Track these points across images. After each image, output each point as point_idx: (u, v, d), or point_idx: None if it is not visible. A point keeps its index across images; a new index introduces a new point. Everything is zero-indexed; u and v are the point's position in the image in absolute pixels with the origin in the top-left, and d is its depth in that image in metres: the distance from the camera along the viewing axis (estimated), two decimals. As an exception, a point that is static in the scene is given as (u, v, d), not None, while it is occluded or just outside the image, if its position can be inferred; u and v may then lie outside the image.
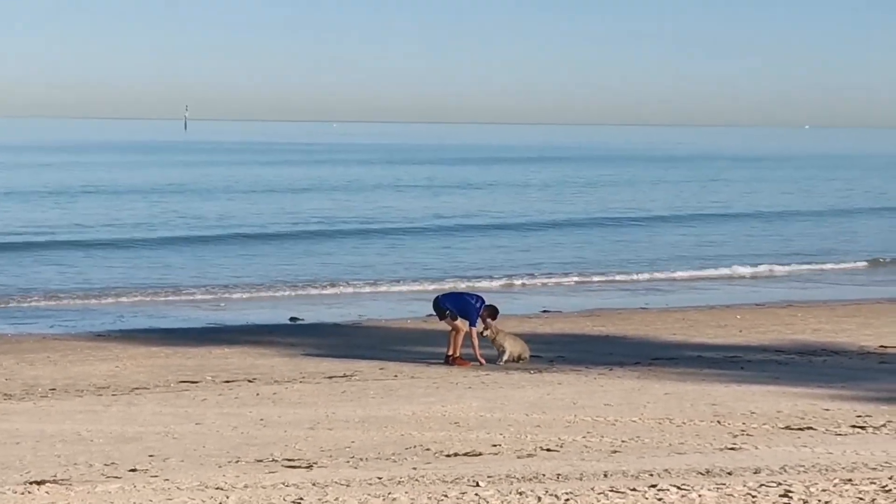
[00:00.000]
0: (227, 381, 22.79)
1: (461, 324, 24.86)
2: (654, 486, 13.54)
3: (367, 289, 39.18)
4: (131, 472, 15.15)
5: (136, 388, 22.08)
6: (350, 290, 38.86)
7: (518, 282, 40.63)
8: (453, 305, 25.04)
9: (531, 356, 25.11)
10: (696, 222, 63.86)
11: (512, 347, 24.88)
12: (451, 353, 24.84)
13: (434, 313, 25.71)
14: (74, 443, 17.05)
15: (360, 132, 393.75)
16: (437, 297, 25.60)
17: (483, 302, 25.21)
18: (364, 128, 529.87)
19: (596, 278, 41.92)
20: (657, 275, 42.79)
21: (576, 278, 41.83)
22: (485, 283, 38.52)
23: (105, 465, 15.58)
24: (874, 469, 14.64)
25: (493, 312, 25.32)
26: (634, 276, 42.44)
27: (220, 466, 15.44)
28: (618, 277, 42.17)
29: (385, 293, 38.51)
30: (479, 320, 24.85)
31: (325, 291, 38.43)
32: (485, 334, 24.85)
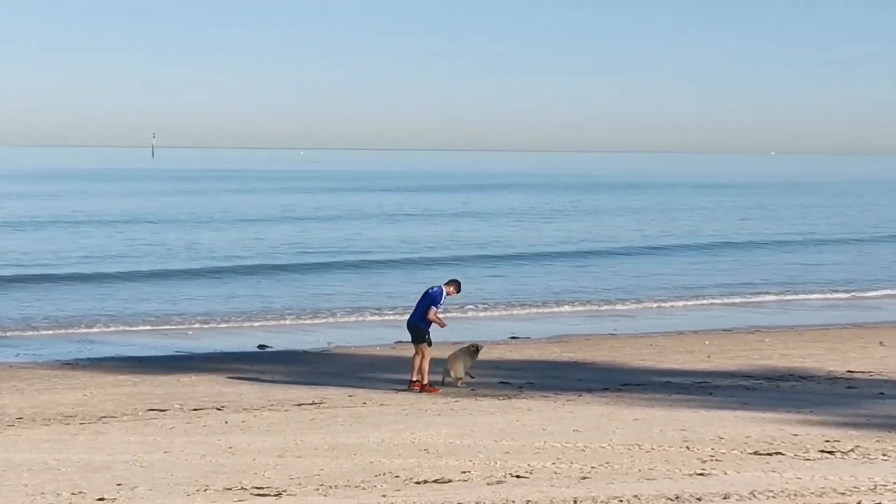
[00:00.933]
0: (196, 409, 22.70)
1: (430, 350, 24.88)
2: (623, 511, 13.54)
3: (336, 318, 39.04)
4: (99, 502, 15.08)
5: (104, 417, 21.96)
6: (319, 319, 38.70)
7: (482, 313, 40.26)
8: (424, 314, 24.95)
9: (501, 382, 25.19)
10: (660, 253, 63.40)
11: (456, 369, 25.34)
12: (416, 379, 24.83)
13: (411, 338, 25.32)
14: (42, 472, 16.94)
15: (328, 159, 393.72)
16: (410, 321, 25.36)
17: (440, 287, 25.24)
18: (332, 155, 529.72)
19: (565, 307, 41.79)
20: (623, 305, 42.58)
21: (542, 308, 41.78)
22: (455, 314, 38.42)
23: (73, 494, 15.49)
24: (843, 494, 14.69)
25: (457, 286, 25.56)
26: (602, 307, 42.21)
27: (188, 495, 15.38)
28: (585, 307, 42.01)
29: (354, 322, 38.39)
30: (444, 298, 25.17)
31: (294, 322, 38.23)
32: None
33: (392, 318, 37.68)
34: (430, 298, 25.08)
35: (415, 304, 25.59)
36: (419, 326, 25.02)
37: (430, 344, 24.96)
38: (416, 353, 25.01)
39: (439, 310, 25.10)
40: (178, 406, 23.15)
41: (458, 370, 25.31)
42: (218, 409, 22.75)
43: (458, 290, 25.65)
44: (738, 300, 44.05)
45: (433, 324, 25.00)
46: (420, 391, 24.61)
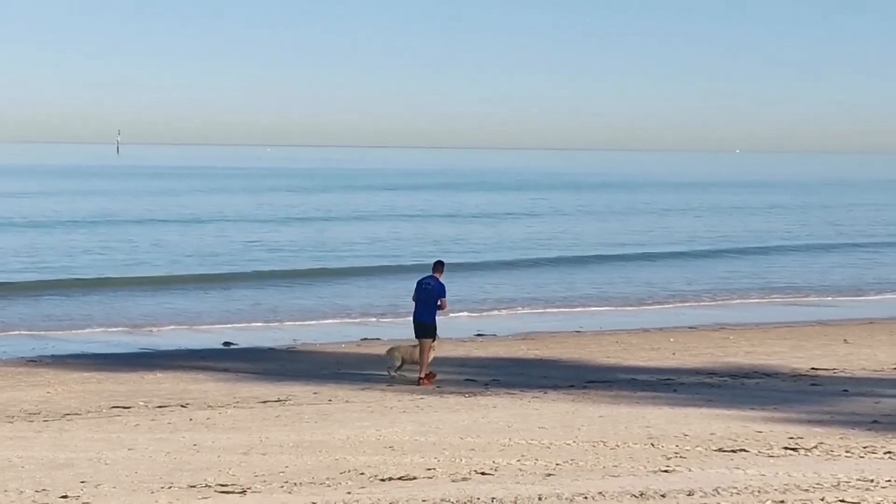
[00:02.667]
0: (160, 407, 22.63)
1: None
2: (588, 508, 13.56)
3: (302, 315, 38.92)
4: (63, 499, 15.00)
5: (68, 414, 21.86)
6: (284, 317, 38.56)
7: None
8: (434, 308, 25.62)
9: (467, 379, 25.26)
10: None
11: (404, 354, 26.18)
12: (426, 374, 25.45)
13: (416, 334, 25.87)
14: (5, 469, 16.84)
15: (295, 157, 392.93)
16: (421, 318, 25.73)
17: (433, 277, 25.89)
18: (298, 152, 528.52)
19: (527, 308, 41.57)
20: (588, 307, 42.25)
21: (507, 307, 41.73)
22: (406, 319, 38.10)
23: (36, 491, 15.41)
24: (806, 491, 14.75)
25: (442, 267, 26.29)
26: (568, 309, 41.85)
27: (152, 492, 15.32)
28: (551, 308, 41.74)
29: (319, 320, 38.25)
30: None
31: (260, 320, 38.03)
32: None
33: (358, 320, 37.57)
34: (437, 291, 25.57)
35: (416, 301, 25.89)
36: (430, 322, 25.66)
37: (436, 337, 25.64)
38: (422, 348, 25.52)
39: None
40: (142, 403, 23.07)
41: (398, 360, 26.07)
42: (182, 406, 22.69)
43: (441, 272, 26.20)
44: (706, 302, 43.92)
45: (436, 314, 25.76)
46: (428, 384, 25.15)
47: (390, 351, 26.47)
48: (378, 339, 33.50)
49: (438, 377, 25.73)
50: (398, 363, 26.01)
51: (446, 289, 25.90)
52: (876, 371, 27.01)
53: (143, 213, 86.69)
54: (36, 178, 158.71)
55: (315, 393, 24.20)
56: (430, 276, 26.01)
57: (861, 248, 66.94)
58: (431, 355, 25.71)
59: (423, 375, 25.42)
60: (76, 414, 21.95)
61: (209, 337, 34.07)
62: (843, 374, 26.46)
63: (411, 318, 26.21)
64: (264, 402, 23.11)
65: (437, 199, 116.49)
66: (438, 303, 25.62)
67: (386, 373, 25.95)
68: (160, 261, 55.34)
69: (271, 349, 31.67)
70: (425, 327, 25.69)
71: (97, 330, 35.49)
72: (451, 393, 24.06)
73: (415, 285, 26.22)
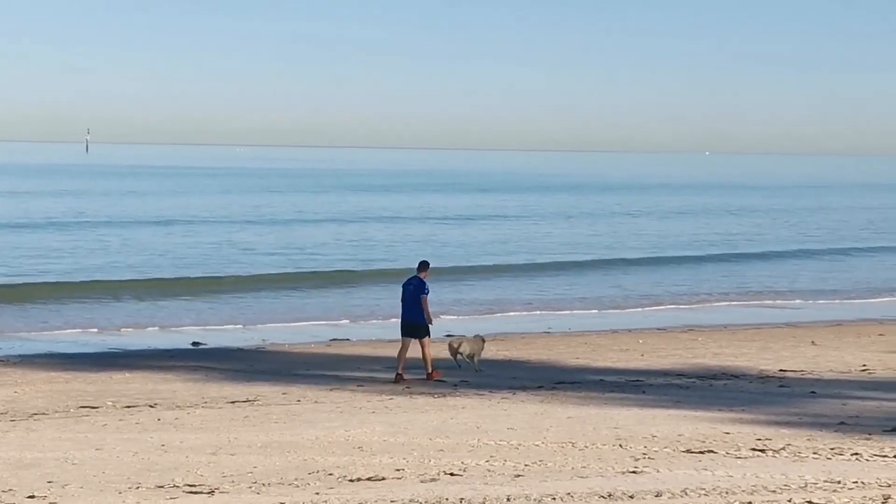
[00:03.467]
0: (128, 407, 22.56)
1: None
2: (556, 509, 13.58)
3: (274, 316, 38.83)
4: (30, 499, 14.95)
5: (35, 414, 21.77)
6: (254, 317, 38.46)
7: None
8: (420, 307, 25.99)
9: (436, 380, 25.35)
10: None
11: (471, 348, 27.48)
12: (429, 370, 26.06)
13: (404, 334, 26.26)
14: (-29, 469, 16.77)
15: (266, 156, 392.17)
16: (408, 318, 26.19)
17: (417, 278, 26.32)
18: (269, 152, 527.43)
19: (497, 309, 41.48)
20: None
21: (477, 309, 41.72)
22: (375, 320, 38.05)
23: (3, 491, 15.34)
24: (773, 492, 14.81)
25: (426, 266, 26.75)
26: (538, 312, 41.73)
27: (120, 493, 15.28)
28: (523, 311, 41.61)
29: (289, 320, 38.17)
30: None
31: (228, 319, 37.92)
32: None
33: (327, 323, 37.50)
34: (418, 290, 26.05)
35: (402, 303, 26.36)
36: (419, 321, 26.01)
37: (429, 333, 26.23)
38: (403, 346, 26.06)
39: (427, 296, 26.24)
40: (110, 403, 23.00)
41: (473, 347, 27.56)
42: (151, 406, 22.62)
43: (425, 271, 26.67)
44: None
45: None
46: (436, 379, 25.81)
47: (461, 344, 27.43)
48: (348, 339, 33.50)
49: (407, 377, 25.78)
50: (467, 351, 27.29)
51: (428, 288, 26.29)
52: (843, 373, 27.13)
53: (114, 214, 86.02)
54: (4, 177, 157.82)
55: (284, 393, 24.17)
56: (413, 277, 26.45)
57: (830, 252, 66.75)
58: (429, 352, 26.24)
59: (430, 371, 26.06)
60: (43, 414, 21.85)
61: (178, 337, 33.98)
62: (810, 376, 26.56)
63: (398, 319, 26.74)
64: (233, 402, 23.06)
65: (407, 200, 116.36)
66: (423, 302, 26.05)
67: (462, 364, 27.20)
68: (130, 262, 54.96)
69: (240, 349, 31.61)
70: (412, 326, 26.12)
71: (65, 330, 35.34)
72: (421, 394, 24.07)
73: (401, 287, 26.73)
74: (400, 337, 26.40)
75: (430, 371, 26.07)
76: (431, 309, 26.48)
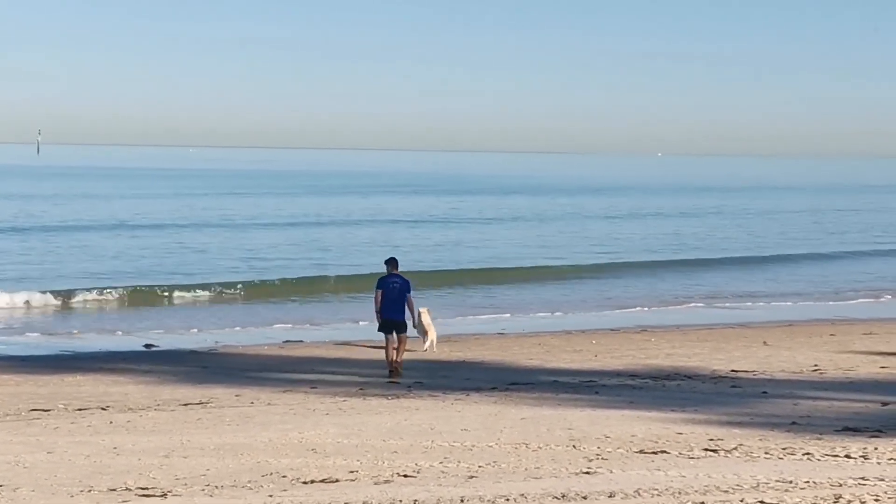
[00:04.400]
0: (80, 409, 22.43)
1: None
2: (510, 510, 13.59)
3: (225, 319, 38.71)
4: (-20, 503, 14.84)
5: (-14, 417, 21.62)
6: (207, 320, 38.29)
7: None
8: (403, 305, 27.31)
9: (390, 381, 25.35)
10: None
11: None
12: (398, 360, 27.24)
13: (389, 332, 27.31)
14: (-80, 473, 16.63)
15: (217, 157, 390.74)
16: (393, 316, 27.25)
17: (397, 276, 27.48)
18: (221, 153, 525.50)
19: (451, 311, 41.41)
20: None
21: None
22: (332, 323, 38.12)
23: (-48, 495, 15.23)
24: (726, 492, 14.87)
25: (396, 263, 27.94)
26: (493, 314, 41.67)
27: (71, 496, 15.18)
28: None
29: (241, 322, 38.04)
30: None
31: (181, 322, 37.72)
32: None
33: (281, 326, 37.40)
34: (405, 288, 27.27)
35: (384, 301, 27.19)
36: (402, 319, 27.38)
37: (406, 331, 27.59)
38: (390, 343, 27.18)
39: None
40: (62, 406, 22.86)
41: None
42: (103, 408, 22.51)
43: (395, 266, 27.80)
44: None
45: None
46: (395, 380, 26.44)
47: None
48: (301, 341, 33.44)
49: (361, 380, 25.84)
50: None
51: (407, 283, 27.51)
52: (795, 373, 27.29)
53: (66, 217, 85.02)
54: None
55: (237, 395, 24.10)
56: (393, 275, 27.34)
57: (783, 258, 66.62)
58: (405, 348, 27.41)
59: (398, 361, 27.09)
60: (-6, 417, 21.71)
61: (130, 339, 33.84)
62: (762, 376, 26.71)
63: (375, 315, 27.54)
64: (186, 404, 22.98)
65: (361, 202, 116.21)
66: (408, 300, 27.48)
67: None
68: (82, 266, 54.59)
69: (193, 351, 31.50)
70: (396, 323, 27.18)
71: (16, 332, 35.14)
72: (374, 395, 24.05)
73: (377, 284, 27.52)
74: (383, 335, 27.42)
75: (400, 367, 26.89)
76: None
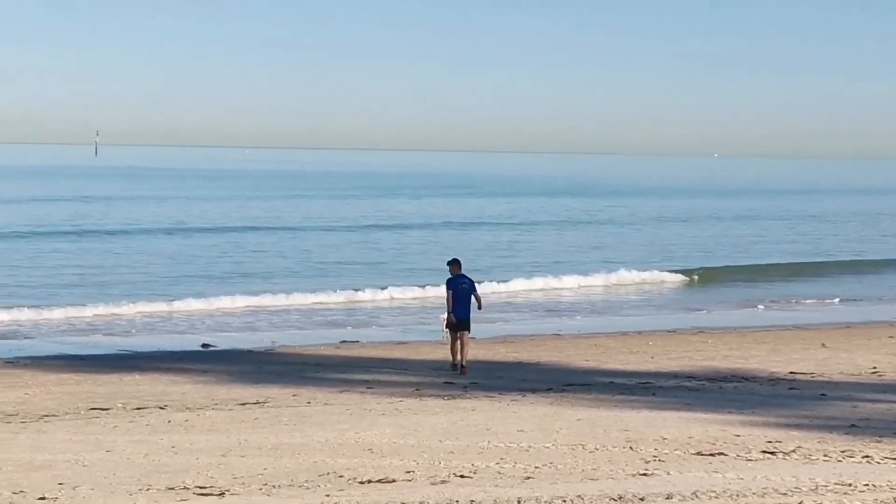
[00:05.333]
0: (139, 408, 22.58)
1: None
2: (567, 511, 13.57)
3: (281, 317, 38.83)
4: (40, 501, 14.97)
5: (46, 416, 21.80)
6: (263, 319, 38.48)
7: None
8: (469, 304, 27.90)
9: (445, 382, 25.37)
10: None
11: None
12: (465, 361, 27.59)
13: (457, 329, 27.78)
14: (-18, 471, 16.79)
15: (273, 158, 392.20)
16: (465, 315, 27.83)
17: (461, 275, 28.04)
18: (277, 154, 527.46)
19: (507, 310, 41.53)
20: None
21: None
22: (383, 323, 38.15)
23: (14, 493, 15.37)
24: (784, 494, 14.80)
25: (460, 265, 28.37)
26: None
27: (130, 494, 15.29)
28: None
29: (298, 322, 38.17)
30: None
31: (238, 321, 37.92)
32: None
33: (334, 318, 37.55)
34: (472, 288, 28.01)
35: (456, 300, 27.77)
36: (469, 317, 27.91)
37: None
38: (457, 339, 27.65)
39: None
40: (120, 405, 23.02)
41: None
42: (161, 408, 22.64)
43: (458, 267, 28.42)
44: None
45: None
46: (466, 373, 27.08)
47: None
48: (357, 341, 33.53)
49: (417, 381, 25.87)
50: None
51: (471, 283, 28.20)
52: (853, 375, 27.10)
53: (124, 220, 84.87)
54: (19, 178, 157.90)
55: (294, 395, 24.18)
56: (460, 276, 27.99)
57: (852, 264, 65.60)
58: (468, 349, 27.83)
59: (464, 364, 27.39)
60: (54, 415, 21.89)
61: (187, 339, 34.03)
62: (820, 378, 26.53)
63: (447, 315, 28.06)
64: (243, 404, 23.08)
65: (450, 203, 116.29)
66: (476, 298, 27.99)
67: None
68: (140, 265, 55.05)
69: (250, 351, 31.65)
70: (466, 321, 27.80)
71: (75, 331, 35.40)
72: (430, 395, 24.07)
73: (446, 285, 28.01)
74: (455, 332, 27.82)
75: (464, 364, 27.46)
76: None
